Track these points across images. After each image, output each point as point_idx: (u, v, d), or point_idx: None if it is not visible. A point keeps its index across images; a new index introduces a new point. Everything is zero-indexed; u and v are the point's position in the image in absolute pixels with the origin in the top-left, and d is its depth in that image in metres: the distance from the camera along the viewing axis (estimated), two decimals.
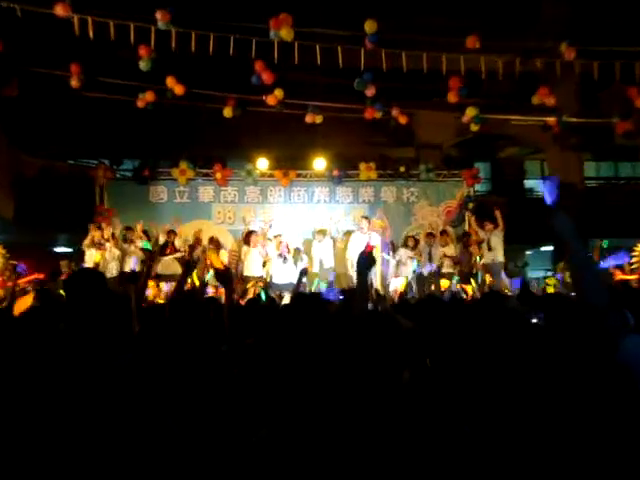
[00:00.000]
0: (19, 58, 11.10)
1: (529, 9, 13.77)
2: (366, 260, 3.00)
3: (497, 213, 12.60)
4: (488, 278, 12.33)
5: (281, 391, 2.30)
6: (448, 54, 11.36)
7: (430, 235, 13.20)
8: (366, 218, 12.96)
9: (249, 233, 12.65)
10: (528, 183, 19.95)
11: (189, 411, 2.39)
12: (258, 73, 11.24)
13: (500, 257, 12.49)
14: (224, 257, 12.42)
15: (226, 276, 4.06)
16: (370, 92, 11.72)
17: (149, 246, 11.89)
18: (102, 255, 11.80)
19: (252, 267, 12.28)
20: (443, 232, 13.21)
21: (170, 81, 11.71)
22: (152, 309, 4.54)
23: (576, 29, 12.07)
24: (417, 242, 13.19)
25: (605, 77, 11.31)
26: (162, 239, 12.39)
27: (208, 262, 11.80)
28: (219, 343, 3.24)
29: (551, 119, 12.68)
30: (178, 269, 11.66)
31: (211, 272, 11.25)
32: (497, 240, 12.54)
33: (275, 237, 12.83)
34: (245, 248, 12.55)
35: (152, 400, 2.14)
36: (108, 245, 11.93)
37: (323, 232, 13.05)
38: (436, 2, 13.27)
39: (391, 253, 13.07)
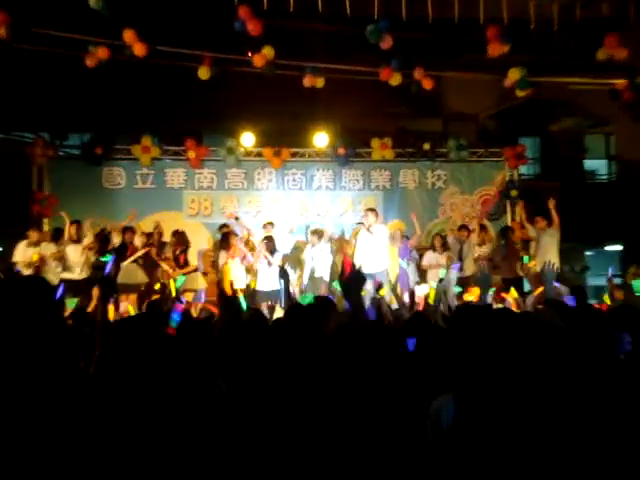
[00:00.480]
0: None
1: None
2: (350, 283, 3.45)
3: (551, 204, 12.32)
4: (537, 288, 12.04)
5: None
6: None
7: (463, 229, 13.11)
8: (371, 210, 12.46)
9: (227, 235, 12.41)
10: (589, 164, 19.98)
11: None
12: (242, 20, 11.03)
13: (554, 261, 12.33)
14: (194, 259, 12.37)
15: (230, 302, 4.35)
16: (387, 44, 11.40)
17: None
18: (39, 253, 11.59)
19: (235, 279, 12.18)
20: (482, 228, 13.06)
21: (129, 36, 11.41)
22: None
23: None
24: (447, 243, 13.07)
25: None
26: (116, 241, 12.08)
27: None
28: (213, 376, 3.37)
29: (621, 81, 12.38)
30: (142, 277, 11.66)
31: (180, 278, 11.07)
32: (550, 240, 12.39)
33: (265, 225, 12.97)
34: (223, 255, 12.31)
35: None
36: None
37: (319, 233, 12.83)
38: None
39: (409, 260, 12.95)
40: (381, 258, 11.87)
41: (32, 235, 11.71)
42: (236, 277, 12.12)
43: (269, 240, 12.18)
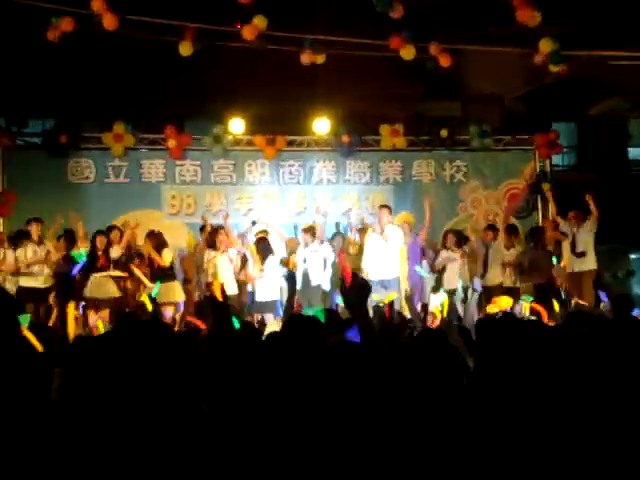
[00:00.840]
0: None
1: None
2: (354, 292, 3.58)
3: (589, 198, 12.42)
4: (575, 296, 12.22)
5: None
6: None
7: (489, 230, 13.13)
8: (386, 207, 12.64)
9: (213, 231, 12.52)
10: (634, 152, 20.11)
11: None
12: None
13: (592, 263, 12.46)
14: (167, 258, 12.23)
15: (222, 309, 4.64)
16: (397, 13, 11.46)
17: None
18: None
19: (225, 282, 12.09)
20: (511, 229, 13.06)
21: (97, 5, 11.45)
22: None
23: None
24: (462, 241, 13.09)
25: None
26: (83, 248, 11.94)
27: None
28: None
29: None
30: (114, 290, 11.68)
31: (156, 287, 11.12)
32: (588, 238, 12.50)
33: (259, 234, 12.95)
34: (209, 254, 12.42)
35: None
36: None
37: (312, 231, 12.81)
38: None
39: (425, 262, 13.00)
40: (393, 263, 11.95)
41: None
42: (226, 280, 11.87)
43: (262, 241, 12.33)
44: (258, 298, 12.31)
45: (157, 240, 12.22)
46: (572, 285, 12.45)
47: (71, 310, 9.54)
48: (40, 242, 11.99)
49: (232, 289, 12.08)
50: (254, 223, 13.25)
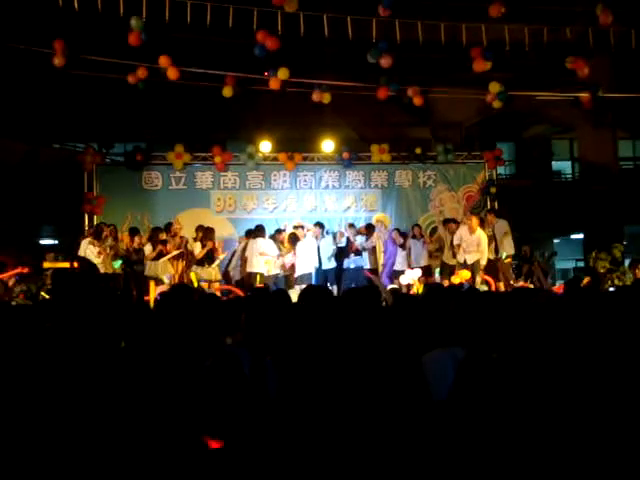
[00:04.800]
0: None
1: None
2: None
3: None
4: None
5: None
6: (468, 23, 11.17)
7: (453, 222, 12.99)
8: (352, 226, 13.05)
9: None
10: (556, 165, 20.03)
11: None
12: (261, 43, 10.90)
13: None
14: (197, 249, 11.96)
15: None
16: (386, 63, 11.32)
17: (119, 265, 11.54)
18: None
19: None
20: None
21: (163, 61, 11.43)
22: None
23: None
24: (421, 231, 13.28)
25: None
26: (148, 249, 11.73)
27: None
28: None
29: (584, 94, 12.46)
30: (170, 270, 11.63)
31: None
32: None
33: (295, 227, 12.97)
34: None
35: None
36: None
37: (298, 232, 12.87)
38: None
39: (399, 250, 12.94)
40: None
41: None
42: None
43: (291, 236, 12.59)
44: (297, 273, 12.38)
45: (206, 233, 12.05)
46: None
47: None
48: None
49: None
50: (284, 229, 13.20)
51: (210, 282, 11.71)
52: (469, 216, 12.86)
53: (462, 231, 11.82)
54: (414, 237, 12.99)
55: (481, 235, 11.62)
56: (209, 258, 11.83)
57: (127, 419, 2.09)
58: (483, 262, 11.60)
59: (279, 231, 13.05)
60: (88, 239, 11.47)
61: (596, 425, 2.14)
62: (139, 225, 12.96)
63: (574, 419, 2.17)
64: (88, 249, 11.17)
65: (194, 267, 11.68)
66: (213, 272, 11.88)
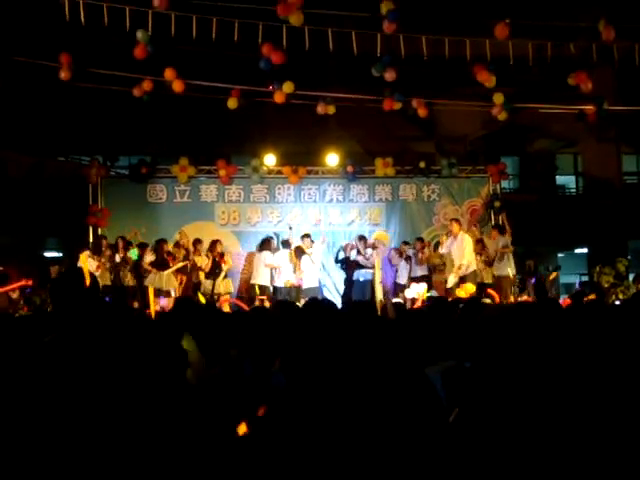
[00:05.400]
0: (3, 47, 11.03)
1: None
2: None
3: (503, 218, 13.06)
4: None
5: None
6: (472, 38, 11.24)
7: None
8: (362, 239, 13.14)
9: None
10: (560, 179, 20.00)
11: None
12: (266, 56, 10.95)
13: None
14: (203, 261, 12.32)
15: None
16: (390, 76, 11.39)
17: (136, 255, 11.89)
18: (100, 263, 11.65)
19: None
20: (478, 242, 12.86)
21: (169, 74, 11.53)
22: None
23: (615, 5, 11.88)
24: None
25: None
26: (149, 257, 12.05)
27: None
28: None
29: (588, 107, 12.44)
30: (174, 284, 11.88)
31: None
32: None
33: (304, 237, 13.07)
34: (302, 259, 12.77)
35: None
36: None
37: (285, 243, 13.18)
38: None
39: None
40: None
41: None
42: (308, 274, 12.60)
43: (297, 249, 12.71)
44: (305, 286, 12.52)
45: (210, 245, 12.51)
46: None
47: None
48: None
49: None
50: (290, 228, 13.33)
51: (219, 295, 11.86)
52: (472, 229, 12.95)
53: (446, 240, 12.19)
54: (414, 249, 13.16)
55: (464, 238, 11.83)
56: (217, 268, 12.08)
57: (128, 421, 2.07)
58: (472, 267, 11.76)
59: (287, 242, 13.18)
60: (87, 252, 11.60)
61: (597, 432, 2.11)
62: (143, 238, 12.87)
63: (574, 427, 2.14)
64: (87, 262, 11.15)
65: (203, 280, 11.97)
66: (222, 285, 12.05)
